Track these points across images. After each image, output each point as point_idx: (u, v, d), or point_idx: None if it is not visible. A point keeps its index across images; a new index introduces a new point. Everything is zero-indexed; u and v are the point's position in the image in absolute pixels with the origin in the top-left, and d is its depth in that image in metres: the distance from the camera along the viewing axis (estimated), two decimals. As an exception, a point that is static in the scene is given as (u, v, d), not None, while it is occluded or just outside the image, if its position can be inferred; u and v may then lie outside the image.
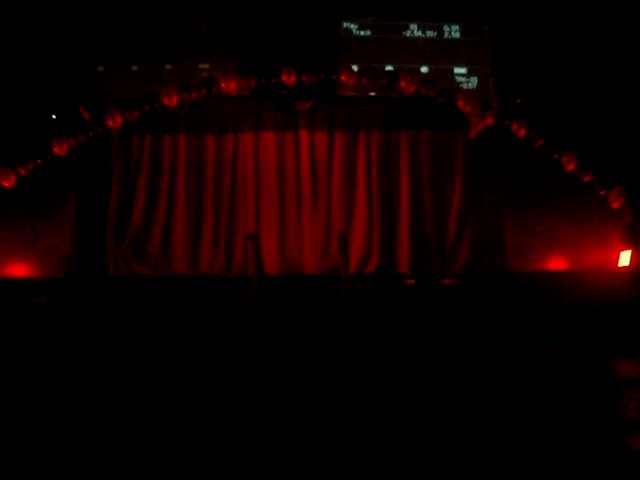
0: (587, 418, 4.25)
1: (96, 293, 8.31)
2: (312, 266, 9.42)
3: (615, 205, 9.41)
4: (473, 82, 10.17)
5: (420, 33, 10.47)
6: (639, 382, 5.91)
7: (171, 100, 9.06)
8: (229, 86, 9.17)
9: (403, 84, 9.35)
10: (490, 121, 9.59)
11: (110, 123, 8.99)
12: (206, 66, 9.44)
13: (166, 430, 3.93)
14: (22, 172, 8.80)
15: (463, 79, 10.15)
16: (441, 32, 10.53)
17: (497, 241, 9.89)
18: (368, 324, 6.98)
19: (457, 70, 10.15)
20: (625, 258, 9.30)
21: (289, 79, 9.23)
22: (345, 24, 10.62)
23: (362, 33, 10.55)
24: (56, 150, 8.86)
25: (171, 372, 6.64)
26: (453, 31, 10.52)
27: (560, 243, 9.64)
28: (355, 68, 9.64)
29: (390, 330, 7.66)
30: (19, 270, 8.99)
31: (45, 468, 3.25)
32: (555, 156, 9.42)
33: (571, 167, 9.40)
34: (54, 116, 9.12)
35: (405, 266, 9.44)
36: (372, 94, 9.92)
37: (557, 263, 9.64)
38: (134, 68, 9.31)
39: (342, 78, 9.31)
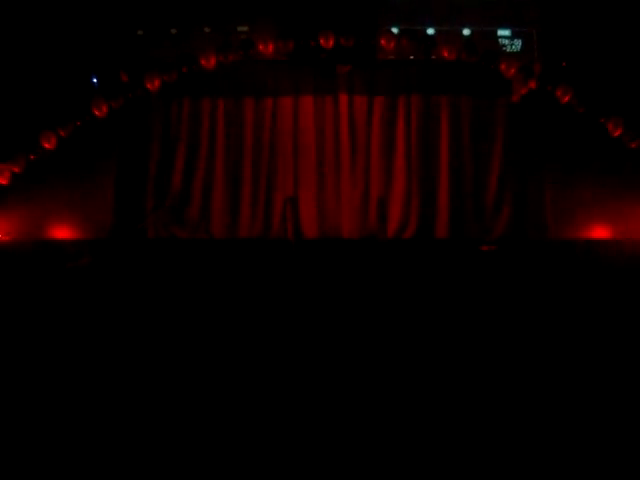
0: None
1: (137, 255, 8.46)
2: (350, 230, 9.41)
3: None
4: (517, 45, 9.87)
5: (462, -6, 10.18)
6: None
7: (209, 62, 9.03)
8: (267, 48, 9.09)
9: (444, 49, 9.16)
10: (533, 86, 9.36)
11: (149, 86, 9.03)
12: (245, 29, 9.36)
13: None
14: (62, 133, 8.92)
15: (507, 41, 9.86)
16: (484, -8, 10.22)
17: (538, 208, 9.74)
18: (405, 289, 6.95)
19: (500, 32, 9.85)
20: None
21: (327, 42, 9.10)
22: (385, -15, 10.39)
23: (402, -5, 10.30)
24: (96, 112, 8.94)
25: (209, 333, 6.76)
26: (497, -9, 10.20)
27: (603, 211, 9.45)
28: (395, 31, 9.45)
29: (427, 296, 7.63)
30: (63, 232, 9.20)
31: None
32: (601, 121, 9.16)
33: (617, 133, 9.13)
34: (95, 79, 9.18)
35: (443, 231, 9.38)
36: (412, 58, 9.74)
37: (600, 231, 9.47)
38: (173, 31, 9.29)
39: (382, 42, 9.14)
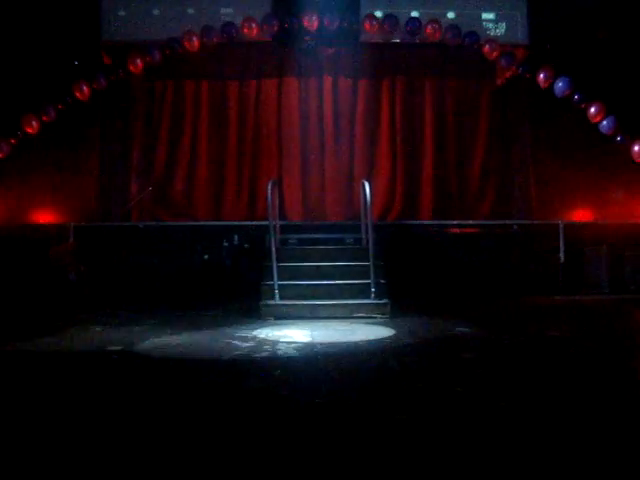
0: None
1: (120, 238, 8.43)
2: (335, 213, 9.44)
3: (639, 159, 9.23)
4: (501, 28, 9.85)
5: (447, -24, 10.14)
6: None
7: (192, 45, 8.98)
8: (251, 31, 9.06)
9: (428, 31, 9.17)
10: (517, 69, 9.40)
11: (132, 68, 8.96)
12: (229, 10, 9.26)
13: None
14: (45, 118, 8.83)
15: (491, 25, 9.83)
16: (469, -25, 10.18)
17: (522, 191, 9.80)
18: (389, 271, 6.99)
19: (485, 15, 9.83)
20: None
21: (311, 25, 9.08)
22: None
23: (387, -23, 10.24)
24: (78, 95, 8.86)
25: (191, 312, 6.80)
26: (481, -26, 10.17)
27: (585, 195, 9.53)
28: (379, 14, 9.41)
29: (411, 277, 7.70)
30: (46, 216, 9.14)
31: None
32: (582, 106, 9.21)
33: (598, 119, 9.18)
34: (76, 62, 9.08)
35: (427, 214, 9.42)
36: (396, 40, 9.72)
37: (582, 215, 9.55)
38: (156, 12, 9.18)
39: (366, 26, 9.14)
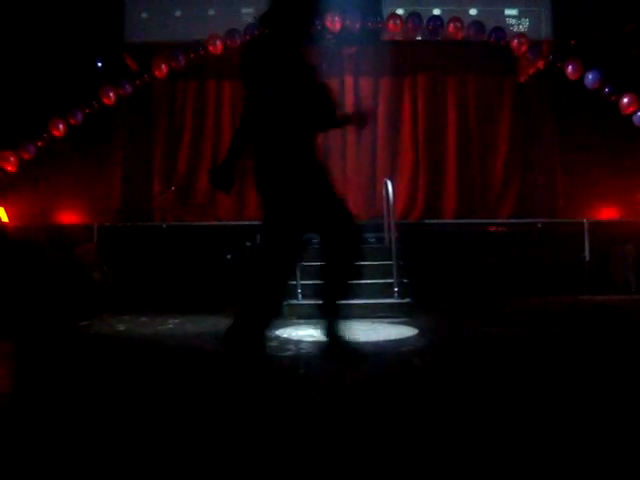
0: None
1: (143, 238, 8.50)
2: (357, 212, 9.37)
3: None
4: (524, 24, 9.75)
5: (469, -27, 10.05)
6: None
7: (216, 48, 9.02)
8: (274, 32, 9.03)
9: (451, 29, 9.09)
10: (542, 64, 9.29)
11: (157, 73, 9.02)
12: (250, 10, 9.31)
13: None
14: (72, 122, 8.95)
15: (514, 21, 9.74)
16: (491, -29, 10.09)
17: (546, 189, 9.69)
18: (412, 270, 6.96)
19: (508, 12, 9.74)
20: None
21: (334, 26, 9.06)
22: (391, -34, 10.28)
23: (409, -25, 10.19)
24: (105, 100, 8.96)
25: (214, 311, 6.82)
26: (504, -30, 10.07)
27: (611, 193, 9.39)
28: (401, 12, 9.37)
29: (434, 277, 7.64)
30: (70, 217, 9.25)
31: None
32: (613, 98, 9.04)
33: (632, 109, 8.99)
34: (100, 64, 9.18)
35: (451, 212, 9.36)
36: (418, 38, 9.66)
37: (609, 213, 9.41)
38: (177, 14, 9.26)
39: (389, 25, 9.10)
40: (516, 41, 9.08)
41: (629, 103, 8.92)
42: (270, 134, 2.93)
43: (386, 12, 9.27)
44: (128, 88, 9.00)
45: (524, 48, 9.09)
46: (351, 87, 9.74)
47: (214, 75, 9.73)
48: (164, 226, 8.72)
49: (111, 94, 8.91)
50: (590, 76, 9.00)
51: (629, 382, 3.57)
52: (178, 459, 2.37)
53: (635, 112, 9.00)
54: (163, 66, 8.99)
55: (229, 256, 8.28)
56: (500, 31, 9.09)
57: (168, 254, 8.30)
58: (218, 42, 8.98)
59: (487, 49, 9.31)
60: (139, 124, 9.73)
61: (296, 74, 2.89)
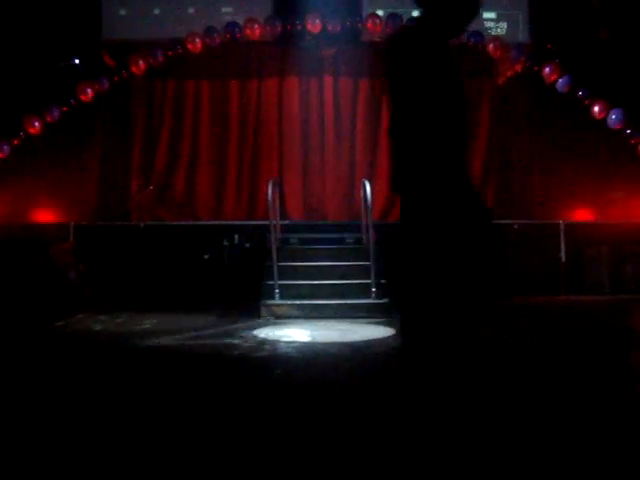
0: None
1: (121, 238, 8.43)
2: (335, 212, 9.42)
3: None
4: (502, 27, 9.84)
5: (448, -24, 10.08)
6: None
7: (195, 46, 8.97)
8: (254, 32, 9.05)
9: (429, 30, 9.11)
10: (519, 67, 9.38)
11: (134, 69, 8.95)
12: (229, 10, 9.28)
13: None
14: (49, 119, 8.84)
15: (492, 24, 9.82)
16: (470, -26, 10.13)
17: (523, 191, 9.78)
18: (390, 271, 6.98)
19: (486, 15, 9.82)
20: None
21: (314, 27, 9.06)
22: (371, -32, 10.31)
23: (388, -23, 10.22)
24: (82, 97, 8.86)
25: (191, 311, 6.80)
26: (483, -27, 10.13)
27: (586, 195, 9.51)
28: (381, 13, 9.40)
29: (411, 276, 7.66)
30: (45, 216, 9.14)
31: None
32: (586, 103, 9.18)
33: (602, 115, 9.16)
34: (77, 61, 9.07)
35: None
36: (398, 40, 9.69)
37: (584, 214, 9.53)
38: (156, 12, 9.19)
39: (368, 25, 9.11)
40: (492, 45, 9.16)
41: (600, 110, 9.08)
42: (429, 139, 2.69)
43: (366, 13, 9.29)
44: (105, 84, 8.91)
45: (499, 52, 9.19)
46: (330, 88, 9.72)
47: (193, 74, 9.66)
48: (141, 225, 8.66)
49: (88, 90, 8.82)
50: (561, 80, 9.13)
51: (592, 383, 3.64)
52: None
53: (607, 116, 9.15)
54: (141, 63, 8.92)
55: (206, 256, 8.25)
56: (478, 35, 9.17)
57: (146, 254, 8.23)
58: (197, 40, 8.93)
59: (466, 51, 9.36)
60: (117, 122, 9.62)
61: (449, 73, 2.72)
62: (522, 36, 9.84)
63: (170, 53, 8.97)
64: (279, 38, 9.32)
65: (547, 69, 9.13)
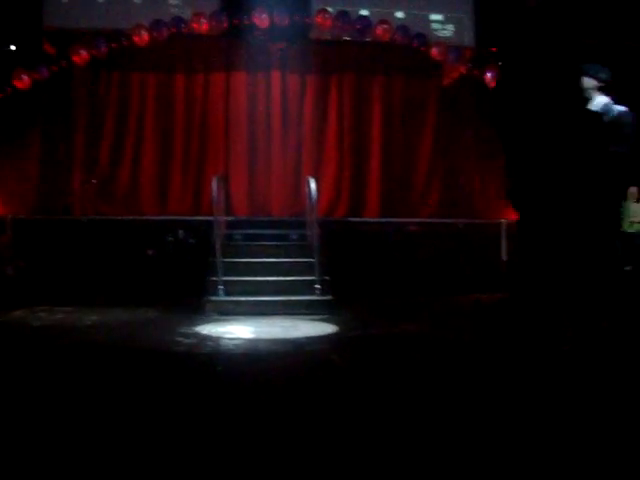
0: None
1: (62, 232, 8.22)
2: (281, 208, 9.41)
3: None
4: (449, 29, 9.99)
5: (397, -24, 10.21)
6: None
7: (142, 39, 8.79)
8: (201, 26, 8.93)
9: (378, 30, 9.22)
10: (463, 70, 9.55)
11: (76, 59, 8.71)
12: (176, 2, 9.13)
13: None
14: (-17, 106, 8.52)
15: (439, 26, 9.96)
16: (418, -24, 10.28)
17: (467, 190, 9.97)
18: (335, 268, 7.04)
19: (433, 17, 9.95)
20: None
21: (262, 22, 9.01)
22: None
23: (338, -25, 10.25)
24: (17, 84, 8.54)
25: (135, 308, 6.70)
26: (430, -25, 10.28)
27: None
28: (330, 10, 9.41)
29: (356, 274, 7.75)
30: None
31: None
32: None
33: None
34: (13, 47, 8.76)
35: (374, 211, 9.48)
36: (346, 38, 9.74)
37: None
38: (101, 0, 8.96)
39: (317, 20, 9.10)
40: (436, 48, 9.30)
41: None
42: None
43: (314, 9, 9.28)
44: (45, 73, 8.62)
45: (443, 55, 9.35)
46: (278, 83, 9.69)
47: (139, 67, 9.46)
48: (84, 220, 8.46)
49: (24, 77, 8.49)
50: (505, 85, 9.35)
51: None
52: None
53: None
54: (83, 53, 8.66)
55: (150, 251, 8.13)
56: (422, 37, 9.30)
57: (88, 249, 8.05)
58: (143, 33, 8.75)
59: (413, 52, 9.49)
60: (59, 113, 9.32)
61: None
62: (467, 39, 10.02)
63: (114, 45, 8.76)
64: (227, 32, 9.22)
65: (488, 73, 9.33)
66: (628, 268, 8.65)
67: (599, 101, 4.04)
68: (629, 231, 8.76)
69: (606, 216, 3.94)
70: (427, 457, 2.37)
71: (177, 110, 9.52)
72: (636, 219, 8.78)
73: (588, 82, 4.10)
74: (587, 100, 4.08)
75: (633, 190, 8.86)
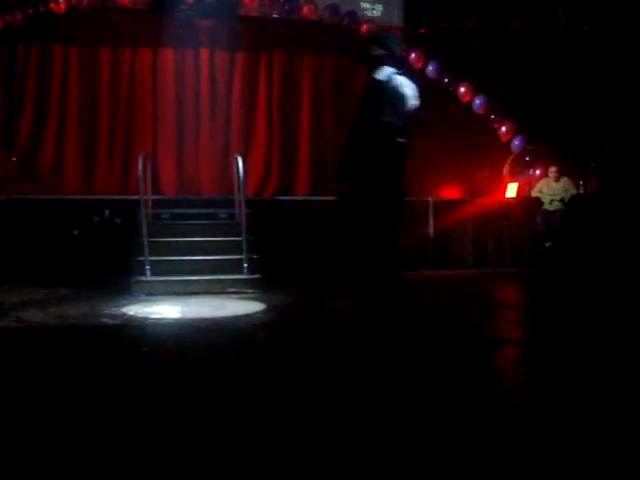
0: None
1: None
2: (210, 187, 9.31)
3: (505, 139, 9.86)
4: (378, 10, 10.08)
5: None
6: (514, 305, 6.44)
7: (59, 6, 8.46)
8: (124, -3, 8.71)
9: (305, 11, 9.23)
10: (394, 50, 9.66)
11: (-15, 25, 8.32)
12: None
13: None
14: None
15: (368, 6, 10.03)
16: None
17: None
18: (263, 246, 7.05)
19: (362, -3, 10.03)
20: (512, 190, 9.84)
21: (189, -5, 8.84)
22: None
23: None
24: None
25: (59, 289, 6.54)
26: (358, -46, 10.31)
27: (454, 174, 10.00)
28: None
29: (284, 253, 7.76)
30: None
31: None
32: (451, 89, 9.67)
33: (467, 98, 9.70)
34: None
35: (304, 189, 9.53)
36: (275, 16, 9.68)
37: (452, 192, 10.02)
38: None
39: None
40: (365, 26, 9.39)
41: (465, 92, 9.61)
42: None
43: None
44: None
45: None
46: (207, 61, 9.53)
47: (60, 39, 9.09)
48: (3, 200, 8.12)
49: None
50: (431, 67, 9.58)
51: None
52: None
53: (472, 100, 9.69)
54: (-5, 19, 8.29)
55: (76, 231, 7.90)
56: (352, 15, 9.36)
57: (7, 230, 7.73)
58: (61, 0, 8.42)
59: (343, 30, 9.53)
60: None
61: None
62: (397, 19, 10.12)
63: (30, 11, 8.38)
64: (152, 6, 9.02)
65: (413, 54, 9.50)
66: (548, 244, 9.06)
67: (385, 71, 3.92)
68: (550, 209, 9.15)
69: (387, 187, 3.93)
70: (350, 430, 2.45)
71: (103, 86, 9.24)
72: (556, 197, 9.15)
73: (376, 51, 4.00)
74: (374, 68, 3.98)
75: (553, 169, 9.25)
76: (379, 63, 3.96)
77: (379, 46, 4.01)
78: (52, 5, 8.40)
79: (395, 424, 2.51)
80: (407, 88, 3.88)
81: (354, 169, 3.96)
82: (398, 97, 3.82)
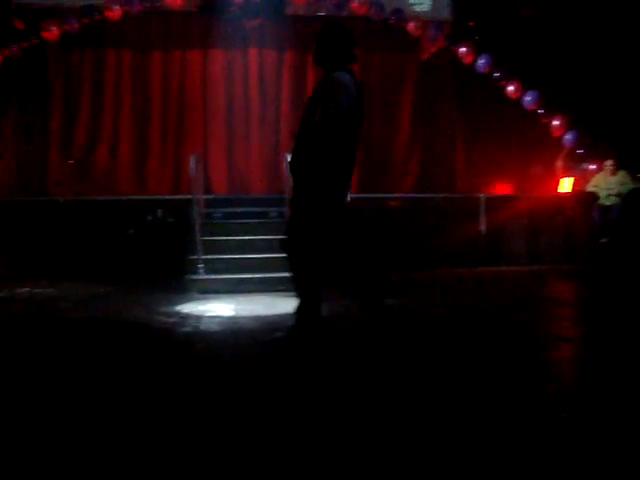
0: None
1: (39, 213, 8.11)
2: (260, 186, 9.40)
3: (557, 134, 9.61)
4: (426, 4, 9.96)
5: (374, -50, 10.10)
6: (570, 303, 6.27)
7: (115, 13, 8.67)
8: (175, 1, 8.84)
9: (354, 5, 9.19)
10: (441, 45, 9.56)
11: (47, 35, 8.56)
12: (150, -25, 9.01)
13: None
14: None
15: (416, 1, 9.93)
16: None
17: (447, 165, 10.03)
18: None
19: (410, -9, 9.91)
20: (566, 184, 9.60)
21: (237, -4, 8.92)
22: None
23: (314, -51, 10.12)
24: (-13, 60, 8.42)
25: (116, 287, 6.69)
26: (408, -51, 10.19)
27: (506, 170, 9.83)
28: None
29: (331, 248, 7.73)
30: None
31: None
32: (502, 83, 9.48)
33: (517, 96, 9.50)
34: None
35: (354, 187, 9.47)
36: (322, 14, 9.67)
37: (504, 188, 9.86)
38: (73, -24, 8.80)
39: (294, -2, 9.07)
40: (412, 23, 9.29)
41: (515, 91, 9.42)
42: None
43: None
44: (14, 49, 8.47)
45: (420, 31, 9.34)
46: (255, 59, 9.62)
47: (113, 43, 9.34)
48: (61, 201, 8.36)
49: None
50: (481, 61, 9.40)
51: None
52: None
53: (521, 97, 9.49)
54: (54, 28, 8.54)
55: (131, 231, 8.07)
56: (399, 12, 9.28)
57: (67, 230, 7.95)
58: (116, 8, 8.63)
59: (390, 26, 9.45)
60: (34, 92, 9.19)
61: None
62: (445, 13, 9.98)
63: (86, 20, 8.62)
64: (202, 8, 9.14)
65: (463, 49, 9.35)
66: (604, 240, 8.79)
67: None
68: (606, 204, 8.88)
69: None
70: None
71: (154, 88, 9.45)
72: (612, 191, 8.89)
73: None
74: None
75: (609, 163, 8.98)
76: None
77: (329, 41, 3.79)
78: (108, 13, 8.60)
79: (446, 420, 2.47)
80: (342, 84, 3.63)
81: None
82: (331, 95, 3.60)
